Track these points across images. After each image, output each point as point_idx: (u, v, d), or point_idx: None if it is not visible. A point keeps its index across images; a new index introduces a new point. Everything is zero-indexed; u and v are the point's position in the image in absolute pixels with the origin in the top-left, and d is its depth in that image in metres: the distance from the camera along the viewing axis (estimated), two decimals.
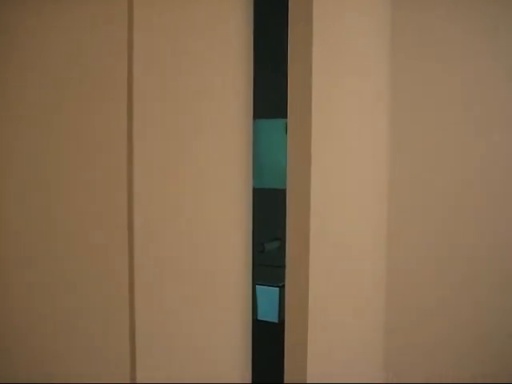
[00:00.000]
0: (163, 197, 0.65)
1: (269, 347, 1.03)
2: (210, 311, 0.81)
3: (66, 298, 0.63)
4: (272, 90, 0.97)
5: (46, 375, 0.65)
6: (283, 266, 1.05)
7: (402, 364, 0.97)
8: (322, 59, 0.75)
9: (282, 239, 1.03)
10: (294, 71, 0.80)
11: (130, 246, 0.60)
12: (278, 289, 1.00)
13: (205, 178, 0.75)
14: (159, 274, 0.65)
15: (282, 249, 1.03)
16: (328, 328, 0.90)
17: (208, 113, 0.74)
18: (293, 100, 0.81)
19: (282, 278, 1.05)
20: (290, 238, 0.87)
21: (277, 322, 1.00)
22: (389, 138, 0.90)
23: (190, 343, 0.76)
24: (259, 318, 1.00)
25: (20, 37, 0.60)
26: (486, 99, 0.83)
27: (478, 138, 0.85)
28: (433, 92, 0.84)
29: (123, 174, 0.58)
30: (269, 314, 1.01)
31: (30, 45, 0.60)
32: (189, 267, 0.72)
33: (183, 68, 0.66)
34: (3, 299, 0.63)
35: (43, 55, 0.59)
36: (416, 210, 0.90)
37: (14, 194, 0.63)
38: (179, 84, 0.64)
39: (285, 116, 0.99)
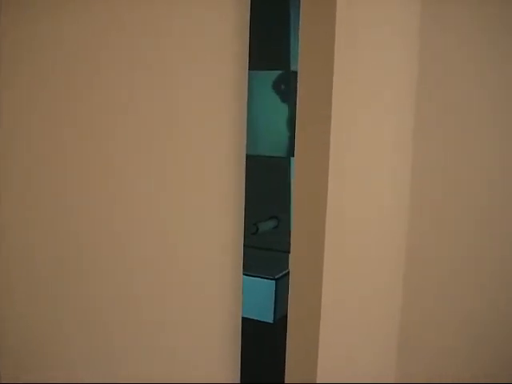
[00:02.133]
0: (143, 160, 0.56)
1: (260, 354, 0.80)
2: (193, 309, 0.67)
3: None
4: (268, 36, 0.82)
5: None
6: (281, 251, 0.85)
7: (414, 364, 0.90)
8: None
9: (278, 218, 0.83)
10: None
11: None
12: (274, 281, 0.79)
13: (189, 143, 0.62)
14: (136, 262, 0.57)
15: (278, 230, 0.84)
16: (342, 329, 0.75)
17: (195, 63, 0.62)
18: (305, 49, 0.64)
19: (280, 267, 0.84)
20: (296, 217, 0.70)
21: (272, 322, 0.78)
22: (414, 125, 0.84)
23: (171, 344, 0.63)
24: (248, 316, 0.78)
25: None
26: None
27: (505, 137, 0.82)
28: (461, 89, 0.82)
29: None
30: (262, 313, 0.79)
31: None
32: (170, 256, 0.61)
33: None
34: None
35: None
36: (439, 204, 0.86)
37: None
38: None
39: (284, 67, 0.84)
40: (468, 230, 0.86)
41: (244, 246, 0.80)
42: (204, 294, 0.68)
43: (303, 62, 0.64)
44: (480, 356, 0.87)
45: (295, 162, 0.67)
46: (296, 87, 0.68)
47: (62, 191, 0.50)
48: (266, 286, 0.80)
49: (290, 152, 0.84)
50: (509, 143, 0.83)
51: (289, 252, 0.85)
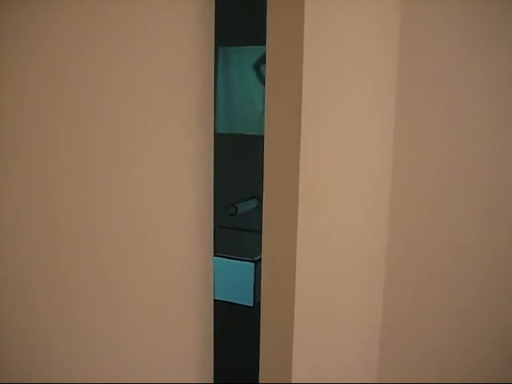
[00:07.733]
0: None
1: (240, 336, 0.86)
2: (163, 294, 0.67)
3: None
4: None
5: None
6: (259, 232, 0.90)
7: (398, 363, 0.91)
8: None
9: (258, 198, 0.88)
10: None
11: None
12: (252, 264, 0.80)
13: (151, 119, 0.61)
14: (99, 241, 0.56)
15: (257, 210, 0.89)
16: (317, 316, 0.78)
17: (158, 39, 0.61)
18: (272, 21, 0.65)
19: (259, 249, 0.90)
20: (267, 198, 0.73)
21: (252, 305, 0.81)
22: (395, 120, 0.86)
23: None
24: (228, 299, 0.81)
25: None
26: (492, 98, 0.83)
27: (482, 135, 0.85)
28: (439, 89, 0.84)
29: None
30: (241, 296, 0.82)
31: None
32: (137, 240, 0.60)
33: None
34: None
35: None
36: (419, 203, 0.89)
37: None
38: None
39: (260, 42, 0.81)
40: (452, 229, 0.90)
41: (221, 227, 0.80)
42: (175, 276, 0.65)
43: (271, 40, 0.65)
44: (461, 356, 0.92)
45: (265, 139, 0.69)
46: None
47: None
48: (245, 269, 0.82)
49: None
50: (486, 138, 0.86)
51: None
